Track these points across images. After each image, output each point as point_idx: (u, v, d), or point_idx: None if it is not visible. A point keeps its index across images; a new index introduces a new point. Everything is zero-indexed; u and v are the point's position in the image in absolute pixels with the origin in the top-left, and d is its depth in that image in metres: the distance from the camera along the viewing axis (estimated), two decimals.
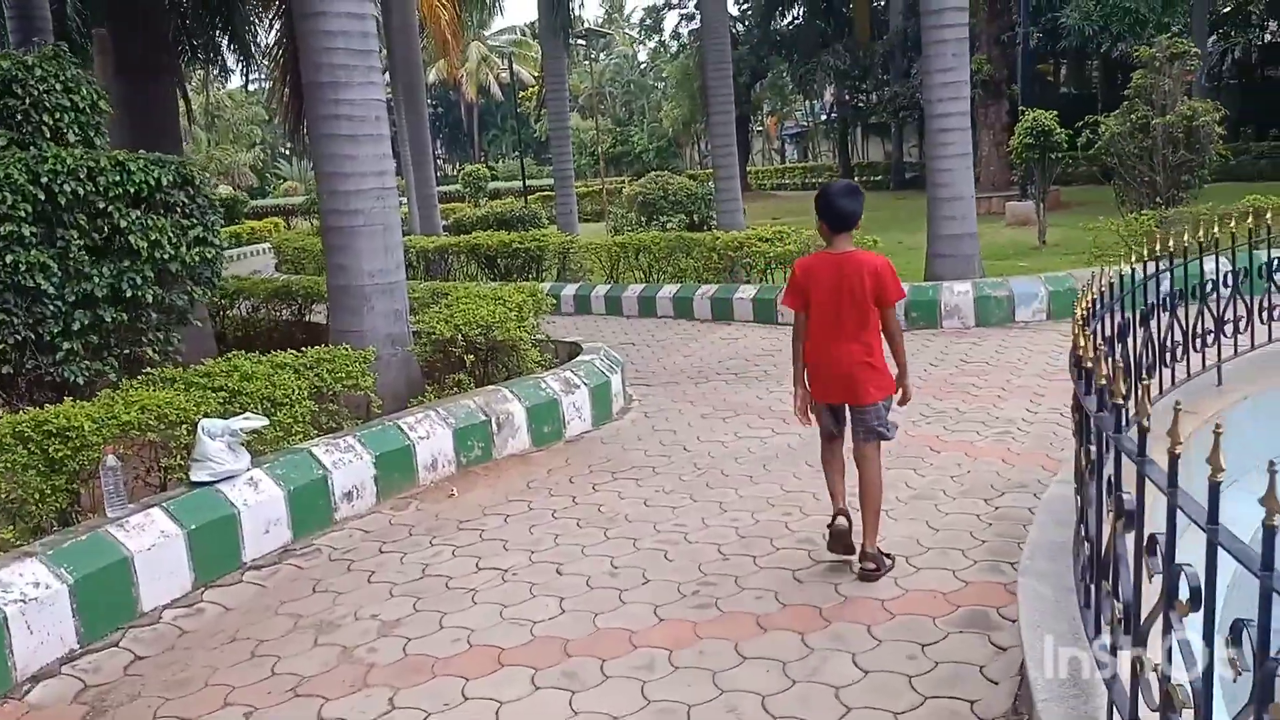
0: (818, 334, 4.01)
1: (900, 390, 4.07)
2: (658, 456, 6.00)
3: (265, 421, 5.04)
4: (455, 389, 6.43)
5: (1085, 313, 3.52)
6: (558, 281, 13.37)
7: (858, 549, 3.97)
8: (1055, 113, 15.61)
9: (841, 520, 4.00)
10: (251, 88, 54.54)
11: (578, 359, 7.12)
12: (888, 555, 4.03)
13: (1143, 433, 2.02)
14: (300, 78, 6.84)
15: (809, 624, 3.63)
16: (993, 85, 24.99)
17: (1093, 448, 2.66)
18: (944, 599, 3.72)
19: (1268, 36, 29.76)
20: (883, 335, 3.98)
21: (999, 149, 23.89)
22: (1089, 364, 2.76)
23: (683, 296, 11.22)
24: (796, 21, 44.04)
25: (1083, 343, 3.07)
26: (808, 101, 50.41)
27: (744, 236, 11.08)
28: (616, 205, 28.44)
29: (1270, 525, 1.47)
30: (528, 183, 39.44)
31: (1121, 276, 4.23)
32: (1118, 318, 3.90)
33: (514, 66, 43.66)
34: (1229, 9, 28.67)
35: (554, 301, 7.67)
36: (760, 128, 57.68)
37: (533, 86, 51.79)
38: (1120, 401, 2.34)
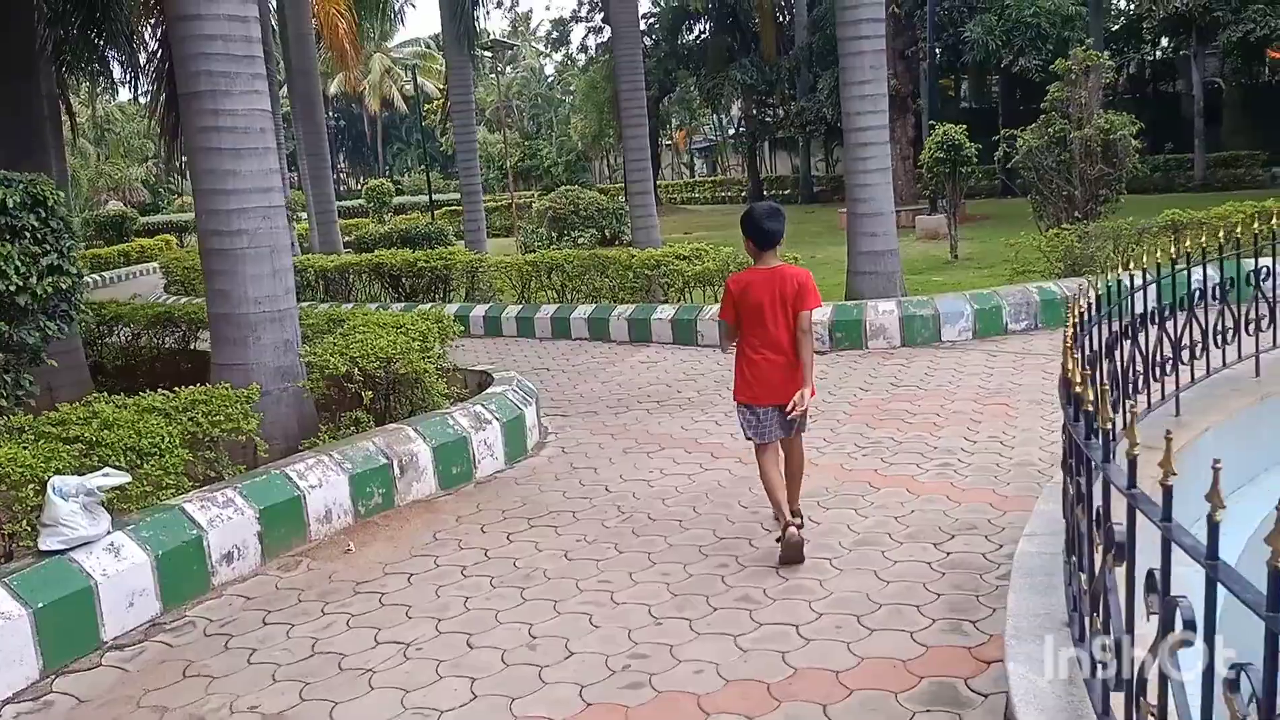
0: (758, 343, 4.42)
1: (799, 393, 4.37)
2: (578, 499, 5.52)
3: (127, 478, 4.40)
4: (352, 428, 5.84)
5: (1073, 332, 3.22)
6: (466, 302, 12.78)
7: (795, 526, 4.33)
8: (964, 126, 15.68)
9: (793, 531, 4.30)
10: (143, 100, 52.36)
11: (488, 391, 6.59)
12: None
13: (1132, 463, 1.97)
14: (177, 87, 6.18)
15: (757, 705, 3.19)
16: (899, 99, 25.21)
17: (1080, 479, 2.56)
18: (904, 669, 3.32)
19: (1158, 53, 30.81)
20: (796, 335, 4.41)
21: (905, 163, 24.12)
22: (1077, 388, 2.68)
23: (598, 318, 10.76)
24: (703, 36, 44.17)
25: (1070, 365, 2.93)
26: (715, 115, 50.62)
27: (661, 254, 10.68)
28: (526, 220, 27.88)
29: (1276, 566, 1.38)
30: (434, 197, 38.52)
31: (1109, 290, 3.89)
32: (1101, 336, 3.60)
33: (418, 79, 42.75)
34: (1121, 25, 29.61)
35: (462, 328, 7.12)
36: (669, 141, 57.73)
37: (438, 99, 50.86)
38: (1108, 428, 2.28)
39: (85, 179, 53.22)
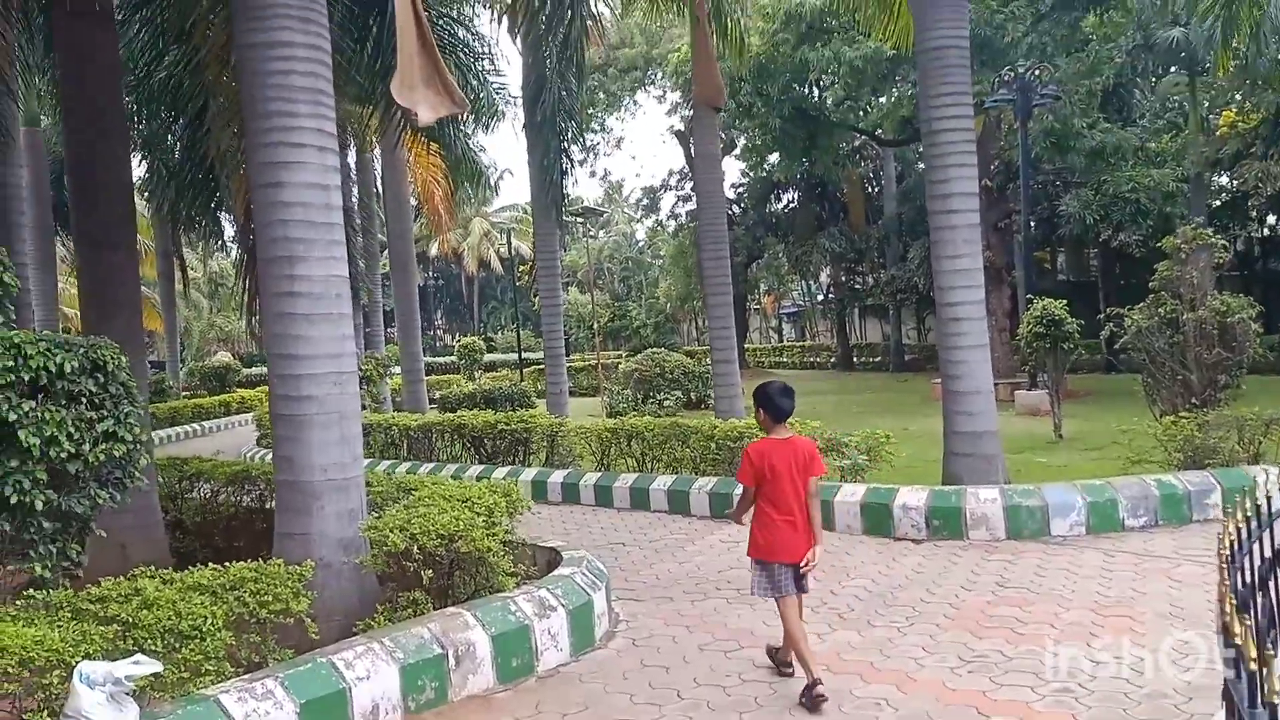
0: (775, 507, 4.98)
1: (812, 551, 4.95)
2: (645, 704, 4.97)
3: (159, 666, 4.06)
4: (410, 610, 5.45)
5: (1230, 550, 2.72)
6: (545, 466, 12.50)
7: (820, 684, 4.73)
8: (1065, 301, 15.20)
9: (820, 688, 4.70)
10: None
11: (556, 573, 6.15)
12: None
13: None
14: (257, 251, 6.21)
15: None
16: (993, 271, 24.90)
17: None
18: None
19: (1265, 230, 30.06)
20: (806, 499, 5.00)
21: (1002, 335, 23.55)
22: (1226, 618, 2.47)
23: (679, 490, 10.33)
24: (791, 205, 45.02)
25: (1228, 610, 2.53)
26: (804, 282, 51.00)
27: (744, 426, 10.27)
28: (612, 381, 27.91)
29: None
30: (524, 355, 39.16)
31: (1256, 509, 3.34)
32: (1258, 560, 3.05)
33: (513, 241, 44.30)
34: (1224, 202, 29.05)
35: (529, 505, 6.76)
36: (758, 306, 58.23)
37: (532, 261, 52.46)
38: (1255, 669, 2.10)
39: (197, 330, 55.95)
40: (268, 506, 9.51)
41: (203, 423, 27.53)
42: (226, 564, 4.84)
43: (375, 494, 7.25)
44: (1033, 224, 25.85)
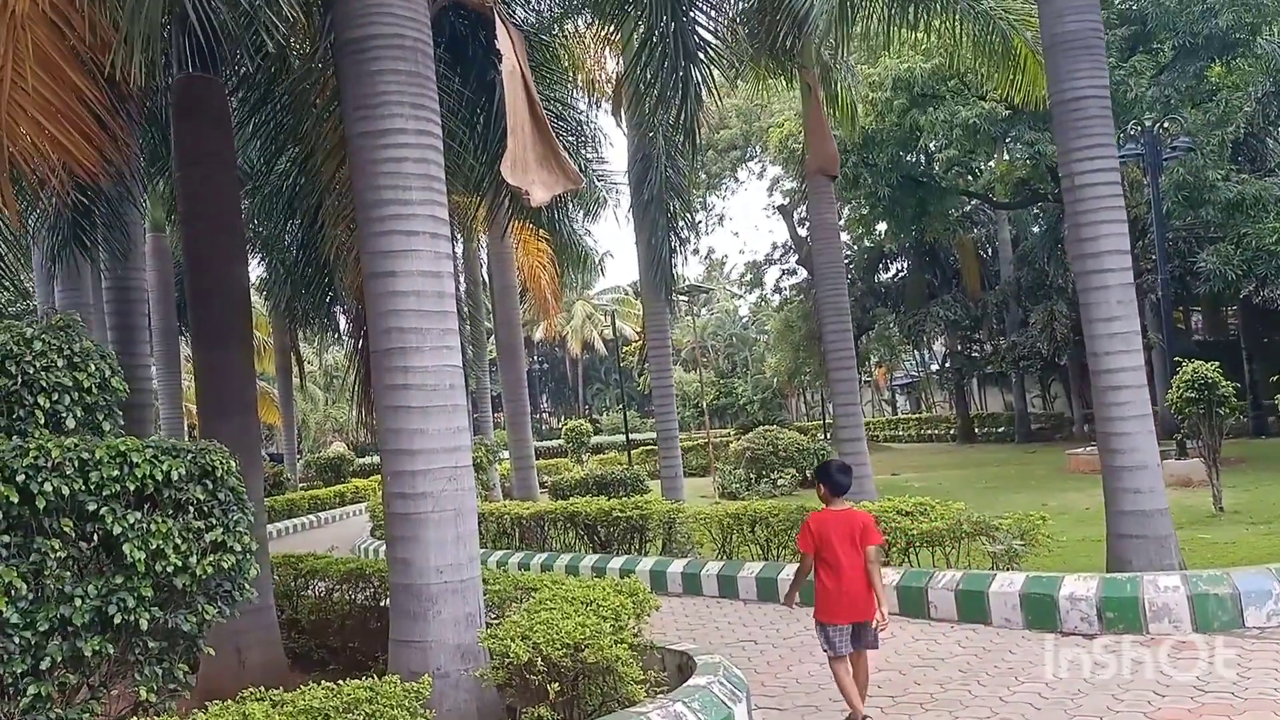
0: (835, 571, 5.58)
1: (879, 614, 5.51)
2: None
3: None
4: None
5: None
6: (663, 556, 11.93)
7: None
8: (1218, 364, 14.08)
9: None
10: None
11: (690, 684, 5.56)
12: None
13: None
14: (369, 343, 5.96)
15: None
16: None
17: None
18: None
19: None
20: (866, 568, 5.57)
21: None
22: None
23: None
24: (901, 274, 44.09)
25: None
26: (918, 352, 49.62)
27: (878, 509, 9.54)
28: (723, 460, 27.24)
29: None
30: (630, 436, 38.80)
31: None
32: None
33: (616, 322, 44.42)
34: None
35: (657, 604, 6.22)
36: (868, 379, 56.86)
37: (635, 342, 52.53)
38: None
39: (314, 422, 57.56)
40: (382, 604, 9.20)
41: (319, 513, 27.87)
42: (341, 682, 4.43)
43: (492, 594, 6.82)
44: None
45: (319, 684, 4.50)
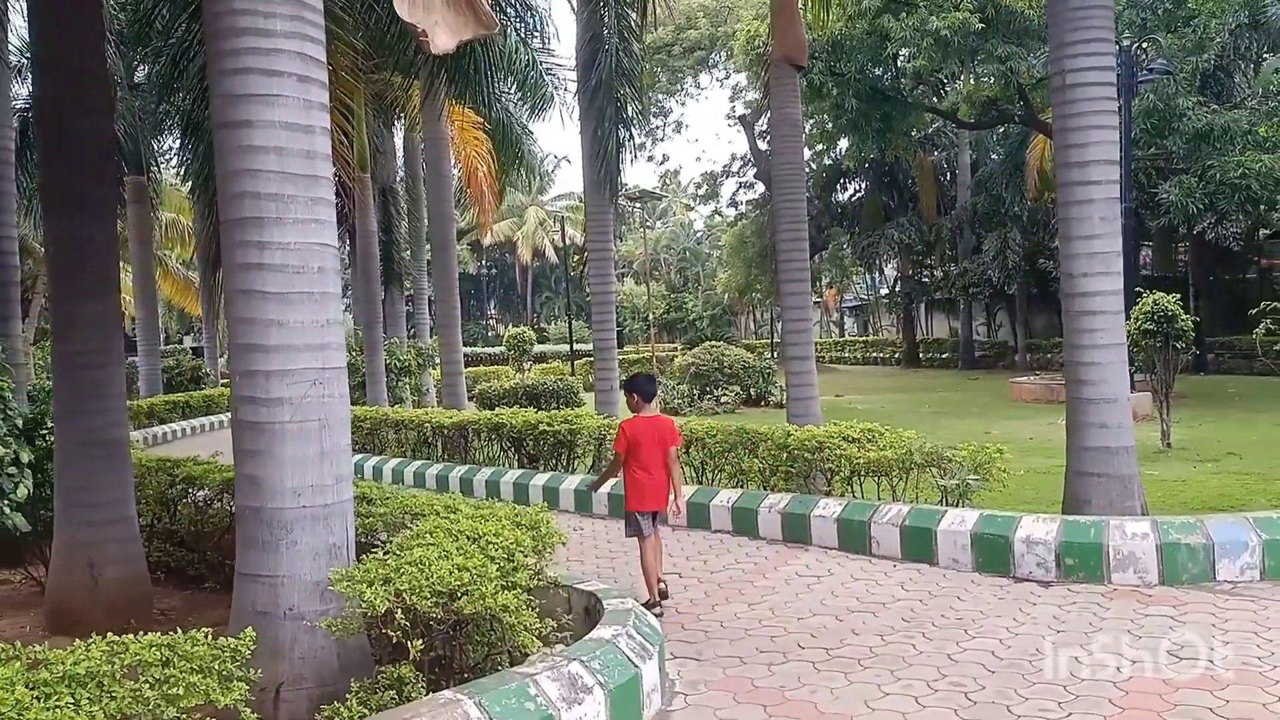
0: (645, 468, 6.56)
1: (674, 504, 6.64)
2: None
3: None
4: (391, 692, 4.05)
5: None
6: (591, 473, 11.09)
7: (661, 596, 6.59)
8: (1178, 296, 13.48)
9: (657, 609, 6.29)
10: None
11: (594, 635, 4.69)
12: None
13: None
14: (219, 211, 4.85)
15: None
16: None
17: None
18: None
19: None
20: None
21: None
22: None
23: (745, 507, 8.85)
24: (858, 195, 43.17)
25: None
26: (869, 275, 49.01)
27: (824, 434, 8.74)
28: (668, 375, 26.47)
29: None
30: (576, 347, 37.84)
31: None
32: None
33: (567, 230, 43.06)
34: None
35: (563, 539, 5.33)
36: (818, 299, 56.26)
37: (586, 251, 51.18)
38: None
39: None
40: None
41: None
42: (132, 637, 3.49)
43: (375, 518, 5.90)
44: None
45: (136, 634, 3.55)
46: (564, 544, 5.35)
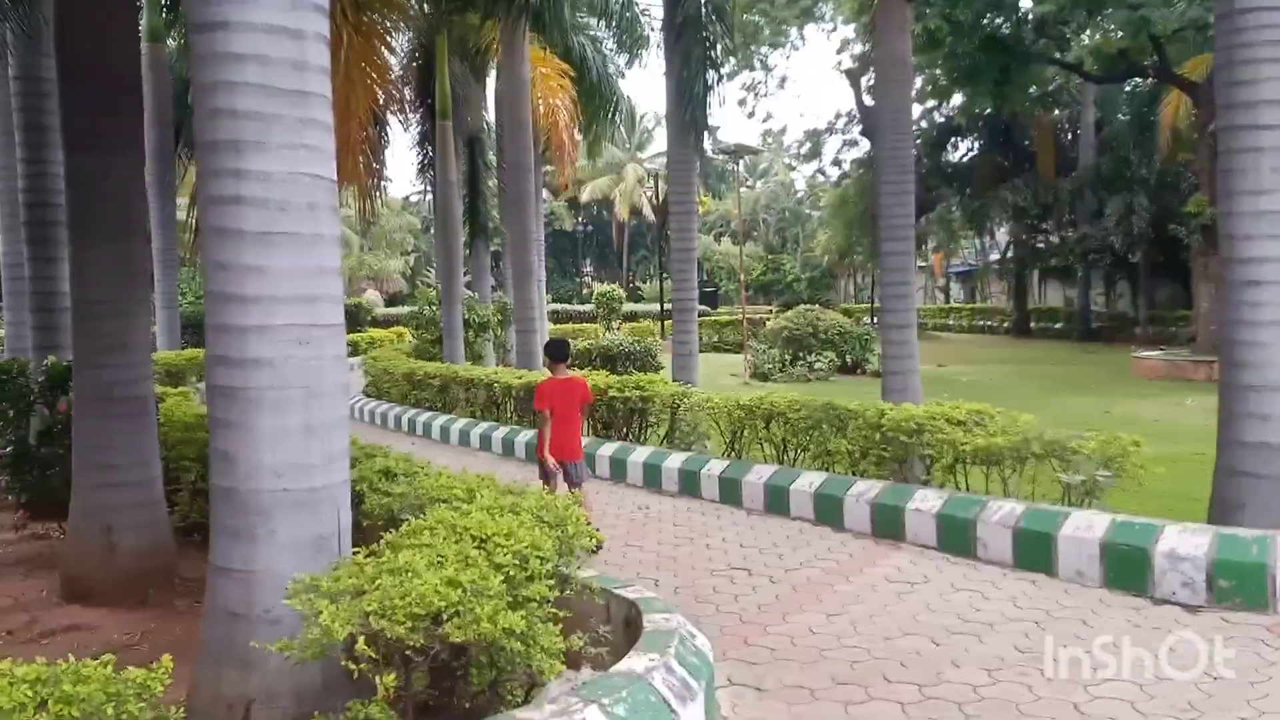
0: (560, 423, 7.29)
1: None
2: None
3: None
4: None
5: None
6: (661, 447, 10.20)
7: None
8: None
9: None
10: (414, 199, 54.95)
11: (623, 667, 3.79)
12: None
13: None
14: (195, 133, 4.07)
15: None
16: (1215, 230, 20.97)
17: None
18: None
19: None
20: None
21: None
22: None
23: (829, 494, 7.84)
24: (971, 154, 40.91)
25: None
26: (979, 239, 46.65)
27: (924, 415, 7.63)
28: (760, 338, 25.36)
29: None
30: (668, 306, 36.90)
31: None
32: None
33: (660, 185, 41.98)
34: None
35: (601, 539, 4.44)
36: (924, 263, 53.95)
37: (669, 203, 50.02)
38: None
39: (347, 267, 56.21)
40: None
41: None
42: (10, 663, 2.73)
43: (395, 498, 5.10)
44: None
45: None
46: (597, 547, 4.47)
